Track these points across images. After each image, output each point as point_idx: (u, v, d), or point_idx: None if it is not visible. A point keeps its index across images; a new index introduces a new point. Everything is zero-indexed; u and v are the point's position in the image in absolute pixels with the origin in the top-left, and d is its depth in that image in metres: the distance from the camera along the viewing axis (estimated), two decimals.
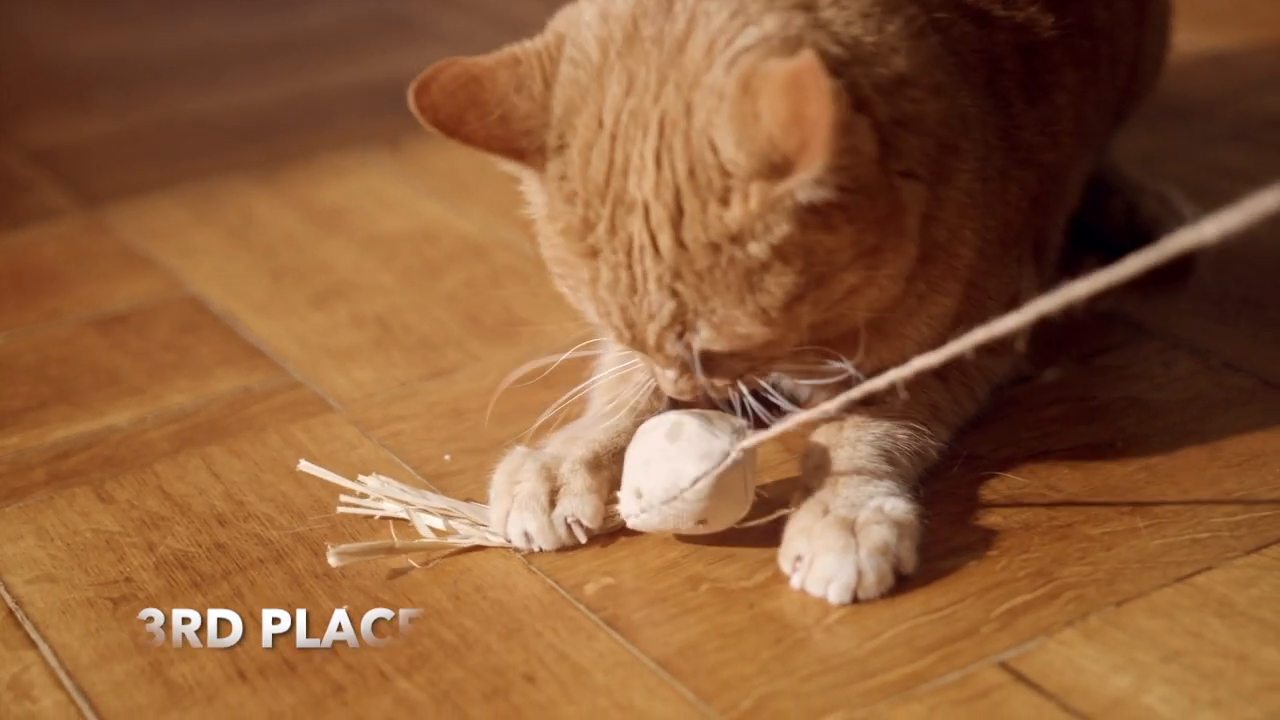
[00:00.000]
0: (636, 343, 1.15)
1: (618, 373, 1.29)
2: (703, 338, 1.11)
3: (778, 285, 1.08)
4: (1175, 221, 1.58)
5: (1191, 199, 1.65)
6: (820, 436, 1.24)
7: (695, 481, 1.15)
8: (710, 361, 1.15)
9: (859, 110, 1.08)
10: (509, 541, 1.21)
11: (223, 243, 1.82)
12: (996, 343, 1.07)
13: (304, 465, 1.31)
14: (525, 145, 1.13)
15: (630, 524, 1.19)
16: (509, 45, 1.15)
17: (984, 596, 1.13)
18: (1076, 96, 1.34)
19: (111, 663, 1.13)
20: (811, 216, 1.07)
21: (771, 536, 1.18)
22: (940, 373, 1.22)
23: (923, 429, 1.25)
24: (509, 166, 1.17)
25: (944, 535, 1.20)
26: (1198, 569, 1.14)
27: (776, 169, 1.04)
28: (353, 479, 1.29)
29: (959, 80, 1.20)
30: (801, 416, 1.16)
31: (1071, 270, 1.04)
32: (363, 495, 1.28)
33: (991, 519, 1.22)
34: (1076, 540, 1.19)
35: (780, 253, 1.08)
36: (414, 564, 1.20)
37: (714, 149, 1.05)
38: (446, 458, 1.35)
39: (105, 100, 2.31)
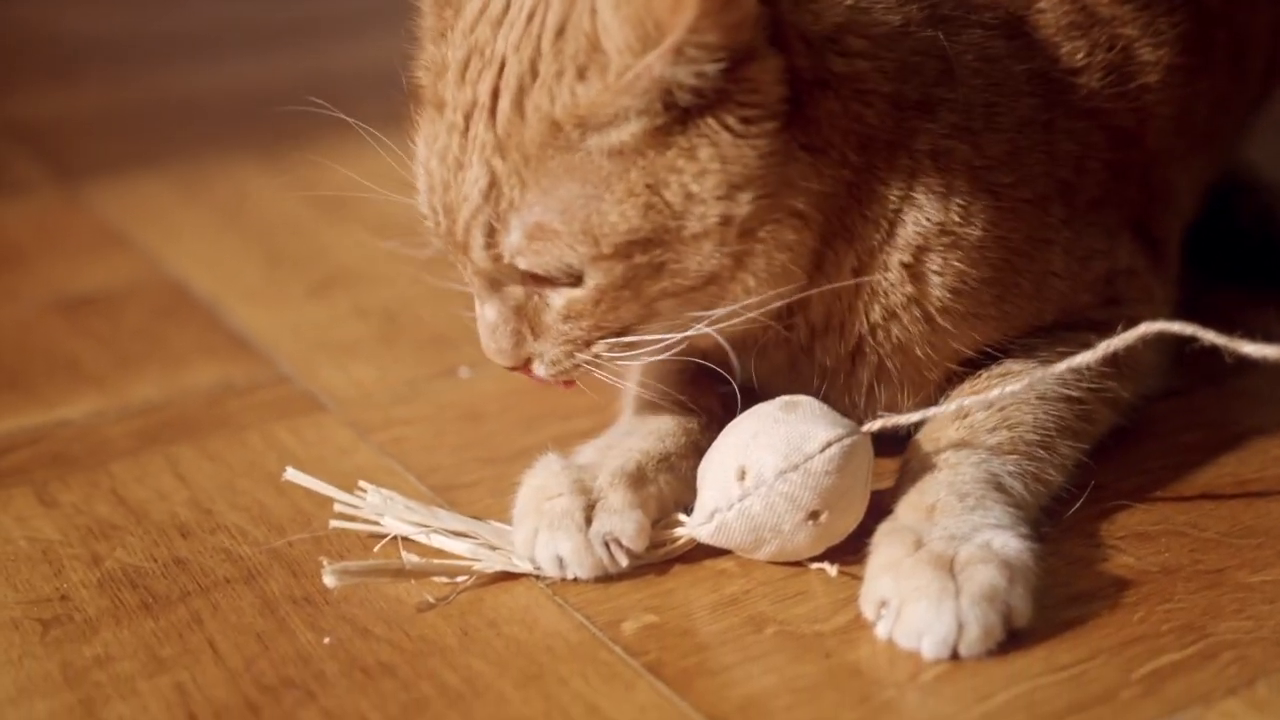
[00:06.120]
0: (450, 240, 1.00)
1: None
2: (511, 242, 0.96)
3: (617, 212, 0.94)
4: None
5: None
6: (915, 452, 1.04)
7: (827, 445, 0.97)
8: (534, 309, 1.00)
9: (774, 45, 0.96)
10: (538, 568, 1.02)
11: (212, 224, 1.65)
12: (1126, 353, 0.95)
13: (290, 473, 1.10)
14: None
15: (707, 533, 1.00)
16: None
17: (1121, 654, 0.93)
18: (1180, 84, 1.16)
19: (33, 698, 0.93)
20: (672, 126, 0.94)
21: (850, 566, 1.00)
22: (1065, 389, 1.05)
23: (1039, 453, 1.03)
24: None
25: (1065, 579, 1.00)
26: None
27: (648, 39, 0.92)
28: (348, 490, 1.08)
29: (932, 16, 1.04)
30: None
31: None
32: (357, 511, 1.07)
33: (1123, 561, 1.01)
34: (1231, 589, 0.99)
35: (625, 162, 0.94)
36: (429, 597, 1.00)
37: (593, 14, 0.94)
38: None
39: (93, 76, 2.19)
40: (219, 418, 1.24)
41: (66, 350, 1.38)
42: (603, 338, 1.00)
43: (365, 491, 1.07)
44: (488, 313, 1.01)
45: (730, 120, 0.94)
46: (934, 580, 0.93)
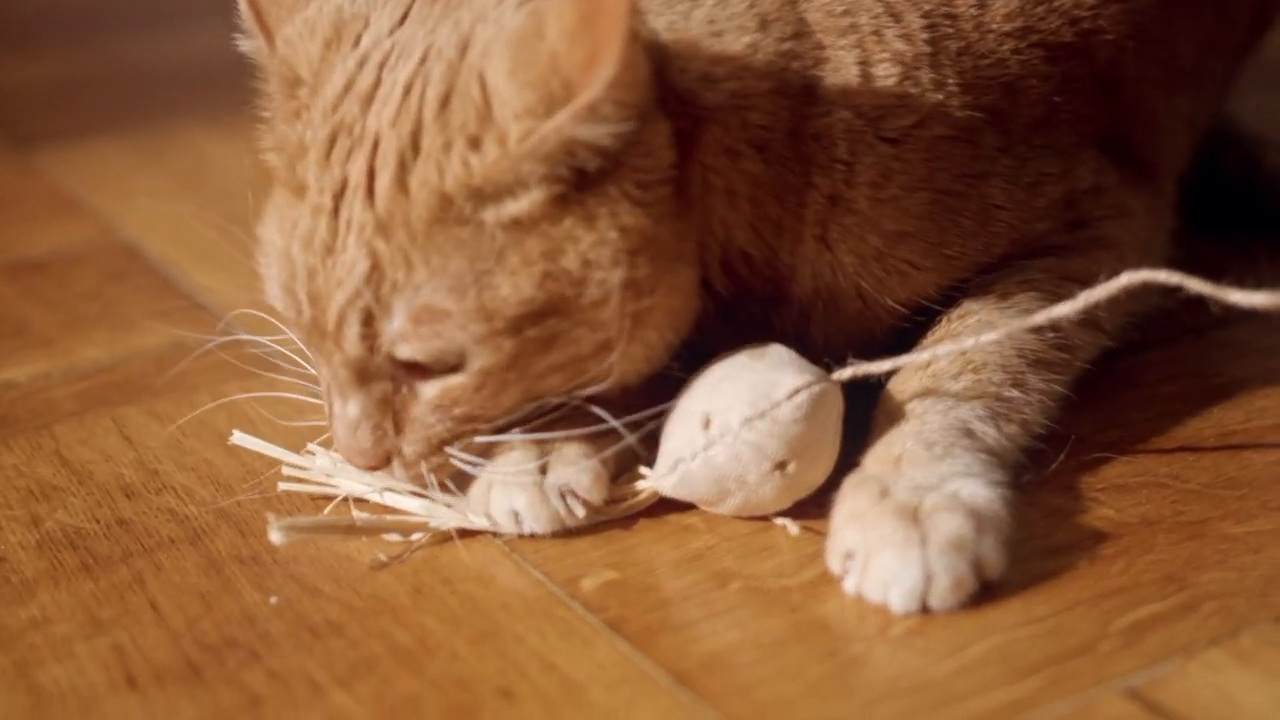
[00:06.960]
0: (315, 331, 0.94)
1: None
2: (395, 329, 0.91)
3: (510, 284, 0.90)
4: None
5: None
6: (883, 405, 1.00)
7: (795, 392, 0.93)
8: (401, 401, 0.95)
9: (662, 110, 0.93)
10: (494, 524, 0.98)
11: (169, 188, 1.59)
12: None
13: (237, 436, 1.07)
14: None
15: (670, 485, 0.97)
16: None
17: (1099, 605, 0.90)
18: (1159, 18, 1.12)
19: None
20: (570, 194, 0.90)
21: (817, 521, 0.96)
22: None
23: (1009, 393, 1.00)
24: None
25: (1041, 531, 0.96)
26: None
27: (553, 100, 0.88)
28: (299, 452, 1.05)
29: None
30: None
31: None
32: (306, 473, 1.04)
33: (1102, 512, 0.98)
34: (1214, 540, 0.95)
35: (520, 232, 0.90)
36: (383, 555, 0.96)
37: (482, 83, 0.90)
38: None
39: (52, 44, 2.13)
40: (169, 379, 1.19)
41: (14, 314, 1.33)
42: (468, 434, 0.95)
43: (314, 453, 1.03)
44: (349, 410, 0.95)
45: (628, 186, 0.91)
46: (898, 529, 0.89)
